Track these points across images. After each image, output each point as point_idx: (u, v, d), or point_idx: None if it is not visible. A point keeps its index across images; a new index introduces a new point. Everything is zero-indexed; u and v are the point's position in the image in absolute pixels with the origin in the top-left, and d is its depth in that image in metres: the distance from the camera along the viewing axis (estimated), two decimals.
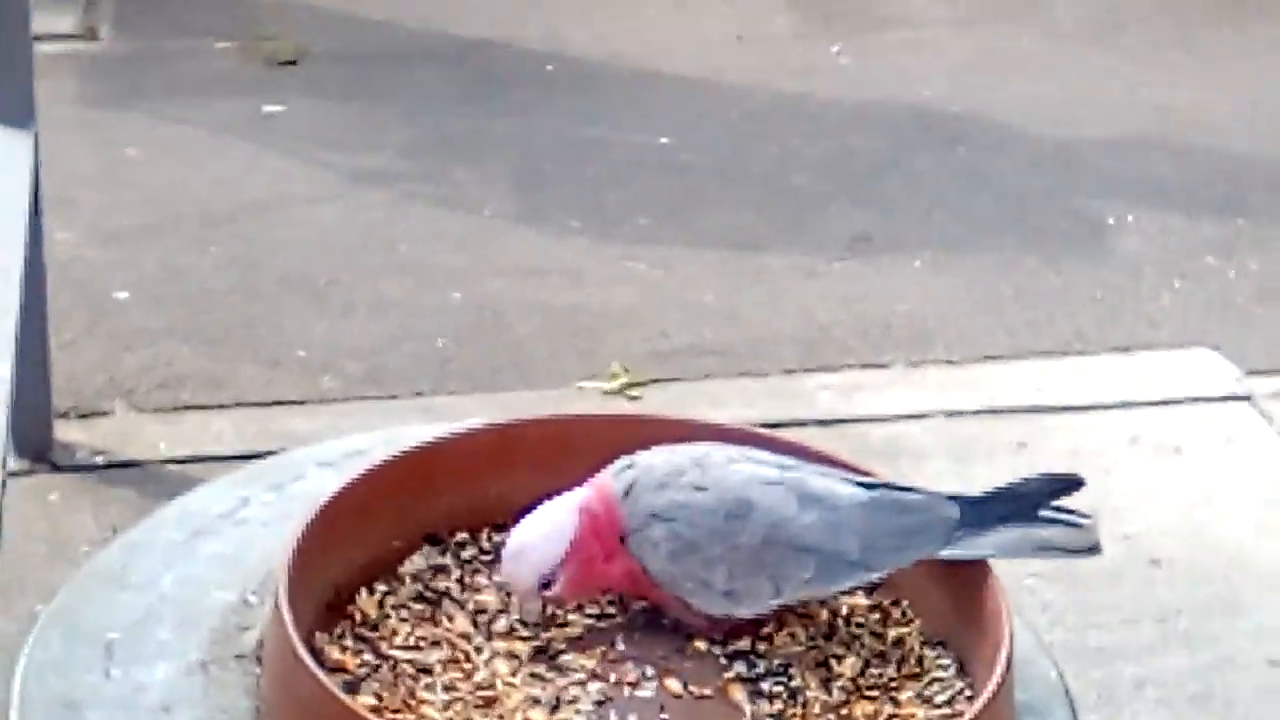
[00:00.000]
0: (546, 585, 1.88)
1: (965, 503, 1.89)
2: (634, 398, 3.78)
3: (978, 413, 3.76)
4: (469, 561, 2.00)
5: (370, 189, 4.53)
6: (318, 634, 1.88)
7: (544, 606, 1.91)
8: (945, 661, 1.90)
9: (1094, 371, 3.90)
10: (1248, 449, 3.68)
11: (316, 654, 1.85)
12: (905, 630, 1.94)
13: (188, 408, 3.75)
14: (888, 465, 3.56)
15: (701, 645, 1.89)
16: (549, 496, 1.93)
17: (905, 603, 1.97)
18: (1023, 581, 3.31)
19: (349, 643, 1.88)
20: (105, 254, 4.17)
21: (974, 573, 1.90)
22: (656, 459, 1.90)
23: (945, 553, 1.89)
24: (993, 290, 4.12)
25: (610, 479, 1.90)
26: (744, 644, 1.90)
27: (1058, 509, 1.91)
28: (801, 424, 3.70)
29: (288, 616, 1.75)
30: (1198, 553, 3.42)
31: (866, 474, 1.96)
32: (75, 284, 4.01)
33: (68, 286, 3.93)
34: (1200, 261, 4.28)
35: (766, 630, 1.92)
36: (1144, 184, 4.60)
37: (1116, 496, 3.54)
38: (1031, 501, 1.90)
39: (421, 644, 1.89)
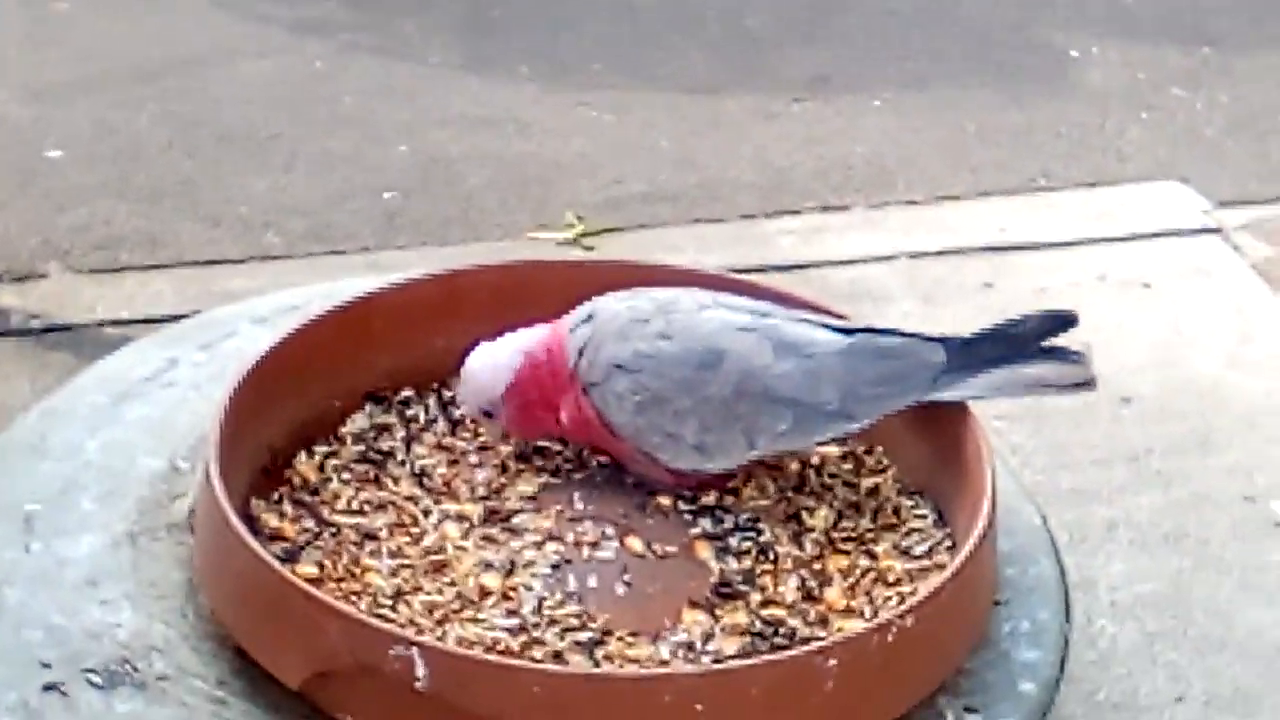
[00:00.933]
0: (489, 415, 1.77)
1: (952, 345, 1.75)
2: (588, 247, 3.63)
3: (942, 253, 3.61)
4: (414, 420, 1.86)
5: (313, 40, 4.34)
6: (253, 500, 1.74)
7: (501, 432, 1.79)
8: (923, 511, 1.77)
9: (1060, 208, 3.76)
10: (1218, 283, 3.55)
11: (252, 522, 1.71)
12: (880, 479, 1.81)
13: (125, 268, 3.58)
14: (852, 308, 3.39)
15: (665, 501, 1.76)
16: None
17: (879, 450, 1.84)
18: (990, 423, 3.17)
19: (287, 509, 1.74)
20: (35, 111, 3.97)
21: (951, 416, 1.77)
22: (620, 305, 1.76)
23: (930, 397, 1.75)
24: (955, 128, 3.96)
25: (568, 327, 1.76)
26: (710, 499, 1.77)
27: (1049, 347, 1.77)
28: (762, 270, 3.55)
29: (218, 483, 1.61)
30: (1169, 390, 3.30)
31: (843, 318, 1.82)
32: (4, 144, 3.82)
33: None
34: (1167, 93, 4.12)
35: (734, 483, 1.79)
36: (1109, 14, 4.43)
37: (1085, 334, 3.39)
38: (1023, 340, 1.76)
39: (366, 508, 1.75)
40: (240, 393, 1.73)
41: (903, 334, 1.77)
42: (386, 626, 1.50)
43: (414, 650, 1.47)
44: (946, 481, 1.76)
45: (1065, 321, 1.76)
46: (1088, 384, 1.76)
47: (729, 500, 1.77)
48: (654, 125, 3.99)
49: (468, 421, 1.85)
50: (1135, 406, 3.24)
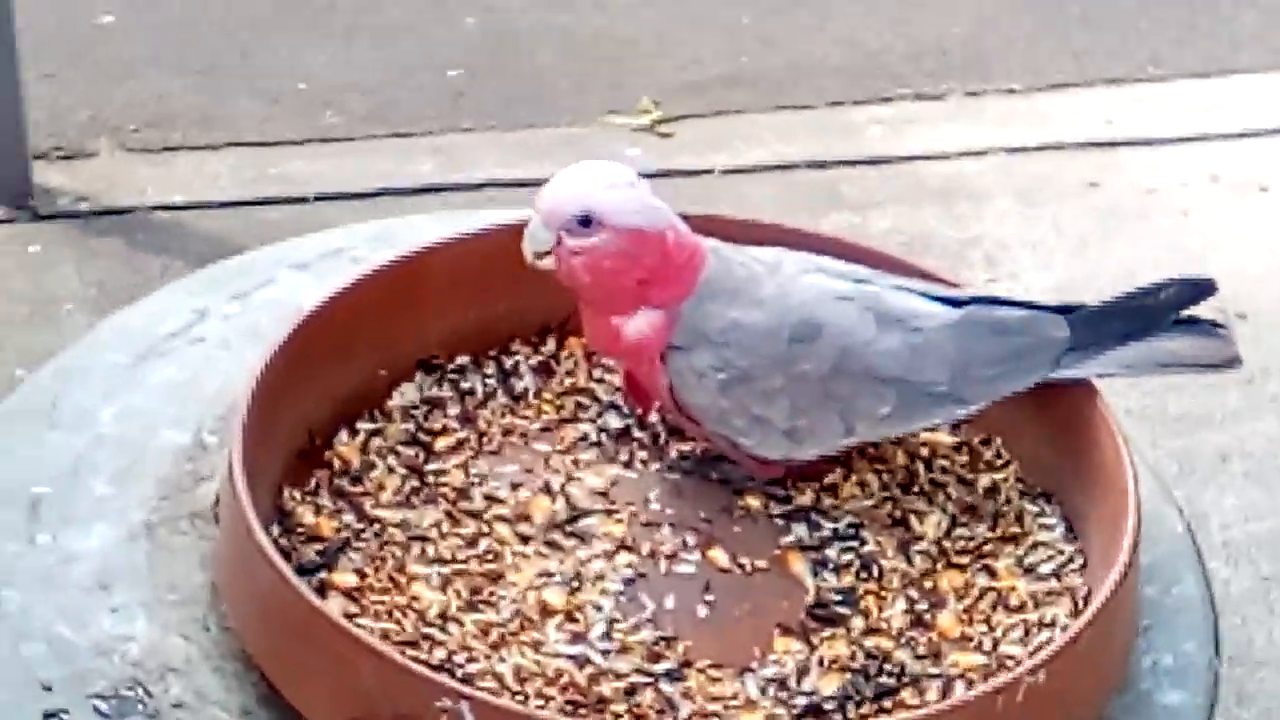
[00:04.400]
0: (586, 224, 1.44)
1: (1078, 319, 1.48)
2: (665, 134, 3.35)
3: (1043, 148, 3.32)
4: (470, 393, 1.60)
5: None
6: (287, 491, 1.49)
7: (556, 265, 1.46)
8: (1049, 520, 1.51)
9: (1169, 100, 3.46)
10: None
11: (285, 517, 1.47)
12: (999, 476, 1.55)
13: (179, 148, 3.34)
14: (944, 208, 3.16)
15: (754, 503, 1.50)
16: (573, 312, 1.54)
17: (998, 441, 1.57)
18: None
19: (325, 501, 1.50)
20: None
21: (1081, 403, 1.50)
22: (738, 257, 1.49)
23: (1054, 375, 1.48)
24: (1057, 8, 3.64)
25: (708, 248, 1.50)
26: (805, 498, 1.51)
27: (1188, 318, 1.49)
28: (849, 163, 3.28)
29: (241, 485, 1.37)
30: None
31: (956, 286, 1.55)
32: (54, 8, 3.56)
33: (43, 10, 3.48)
34: None
35: (830, 479, 1.53)
36: None
37: (1195, 240, 3.13)
38: (1158, 312, 1.49)
39: (414, 500, 1.50)
40: (274, 365, 1.48)
41: (1021, 304, 1.50)
42: (430, 674, 1.26)
43: (464, 705, 1.23)
44: (1076, 484, 1.50)
45: (1204, 290, 1.48)
46: (1232, 363, 1.48)
47: (826, 501, 1.51)
48: (733, 1, 3.69)
49: (531, 396, 1.60)
50: (1251, 322, 2.97)
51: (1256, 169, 3.25)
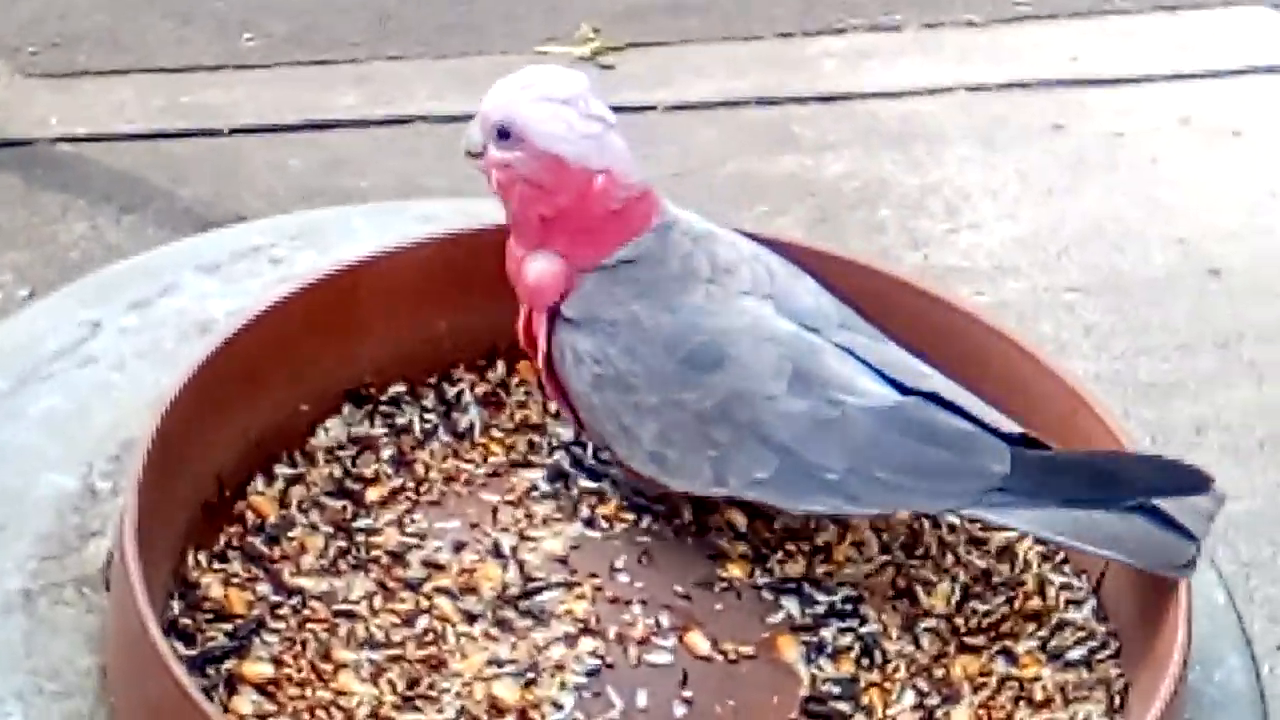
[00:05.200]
0: (505, 135, 1.23)
1: (1026, 461, 1.20)
2: (606, 66, 3.08)
3: (1005, 86, 3.09)
4: (405, 429, 1.36)
5: None
6: (191, 554, 1.25)
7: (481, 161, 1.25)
8: (1077, 593, 1.29)
9: (1137, 35, 3.22)
10: None
11: (189, 589, 1.23)
12: (1015, 535, 1.32)
13: (84, 73, 3.05)
14: (902, 151, 2.93)
15: (736, 572, 1.27)
16: (525, 331, 1.29)
17: None
18: (1060, 296, 2.71)
19: (236, 567, 1.25)
20: None
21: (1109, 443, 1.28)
22: (690, 245, 1.25)
23: (969, 511, 1.23)
24: None
25: (663, 210, 1.27)
26: (796, 565, 1.28)
27: (1154, 509, 1.20)
28: (800, 100, 3.04)
29: (134, 568, 1.12)
30: (1263, 261, 2.81)
31: (922, 367, 1.26)
32: None
33: None
34: None
35: (824, 537, 1.30)
36: None
37: (1165, 190, 2.91)
38: (1121, 488, 1.20)
39: (340, 565, 1.26)
40: (178, 403, 1.23)
41: (970, 418, 1.22)
42: None
43: None
44: None
45: (1194, 484, 1.21)
46: (1183, 569, 1.20)
47: (819, 569, 1.28)
48: None
49: (476, 434, 1.36)
50: (1225, 281, 2.77)
51: (1229, 112, 3.03)
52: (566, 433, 1.36)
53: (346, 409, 1.36)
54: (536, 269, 1.25)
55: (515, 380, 1.40)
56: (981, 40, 3.17)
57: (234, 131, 2.90)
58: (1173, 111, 3.04)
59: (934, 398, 1.22)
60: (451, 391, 1.38)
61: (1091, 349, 2.64)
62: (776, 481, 1.23)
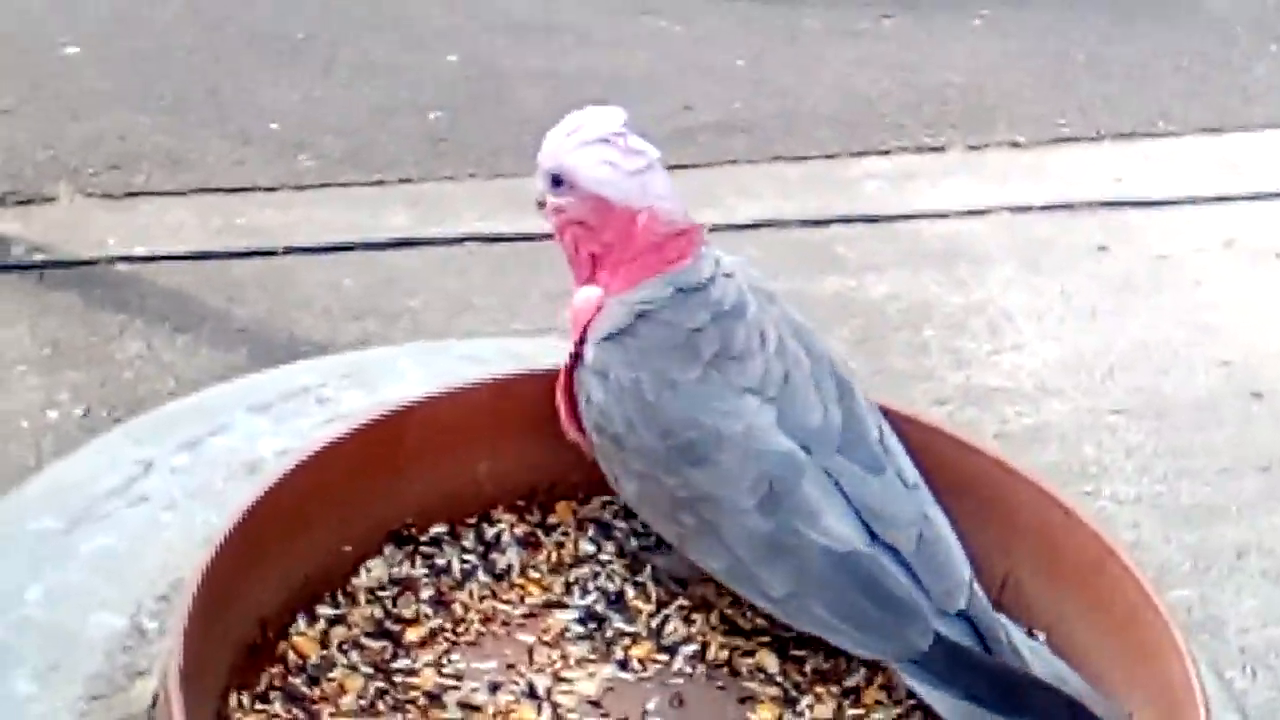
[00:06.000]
0: (557, 183, 1.29)
1: (943, 643, 1.23)
2: None
3: (1048, 208, 3.12)
4: (446, 570, 1.39)
5: None
6: (234, 695, 1.28)
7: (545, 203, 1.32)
8: None
9: (1180, 157, 3.25)
10: None
11: None
12: None
13: (141, 193, 3.11)
14: (945, 272, 2.96)
15: (768, 715, 1.29)
16: (557, 476, 1.33)
17: (1042, 637, 1.36)
18: (1104, 418, 2.72)
19: (277, 708, 1.28)
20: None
21: (1140, 605, 1.29)
22: (732, 301, 1.29)
23: (884, 662, 1.27)
24: (1062, 56, 3.44)
25: (703, 253, 1.30)
26: (825, 709, 1.30)
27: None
28: (846, 220, 3.07)
29: (178, 710, 1.15)
30: None
31: (903, 510, 1.28)
32: (16, 36, 3.33)
33: (2, 39, 3.26)
34: None
35: (853, 680, 1.32)
36: None
37: (1210, 313, 2.92)
38: (1022, 710, 1.21)
39: (379, 706, 1.29)
40: (226, 548, 1.27)
41: (917, 582, 1.24)
42: None
43: None
44: (1136, 697, 1.29)
45: None
46: None
47: (849, 712, 1.30)
48: (725, 39, 3.47)
49: (514, 575, 1.39)
50: (1268, 403, 2.77)
51: (1272, 234, 3.05)
52: (603, 574, 1.39)
53: (388, 549, 1.39)
54: (579, 297, 1.31)
55: (553, 520, 1.43)
56: (1025, 160, 3.21)
57: (289, 251, 2.95)
58: (1216, 233, 3.06)
59: (892, 551, 1.24)
60: (491, 532, 1.41)
61: (1134, 471, 2.66)
62: (725, 575, 1.29)
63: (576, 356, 1.31)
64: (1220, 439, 2.71)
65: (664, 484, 1.27)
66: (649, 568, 1.38)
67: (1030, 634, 1.36)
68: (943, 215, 3.06)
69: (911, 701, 1.32)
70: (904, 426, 1.40)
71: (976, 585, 1.28)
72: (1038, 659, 1.27)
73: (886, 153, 3.19)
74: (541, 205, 1.32)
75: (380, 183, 3.13)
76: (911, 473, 1.31)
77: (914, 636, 1.23)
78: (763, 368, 1.29)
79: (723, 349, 1.29)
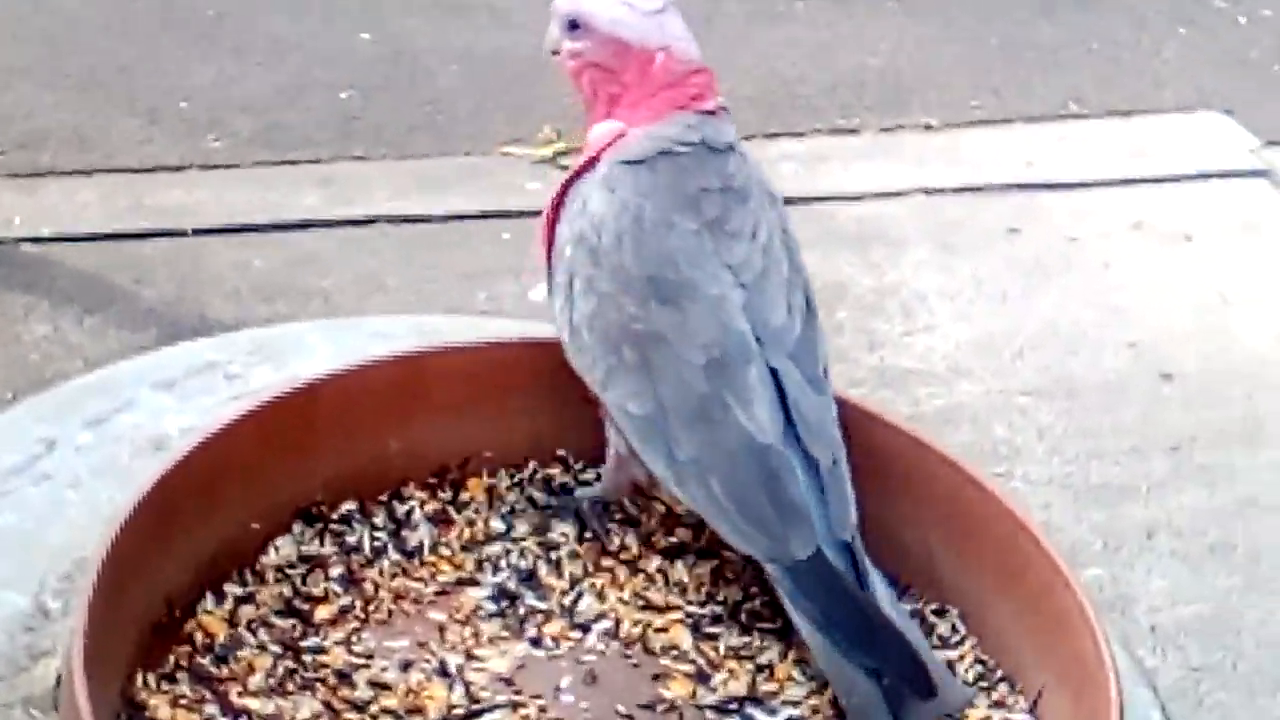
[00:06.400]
0: (574, 27, 1.32)
1: (822, 561, 1.24)
2: (567, 167, 3.12)
3: (962, 190, 3.13)
4: (355, 548, 1.37)
5: None
6: (140, 675, 1.26)
7: (560, 51, 1.34)
8: (1011, 706, 1.30)
9: (1091, 140, 3.27)
10: (1268, 238, 3.08)
11: (137, 710, 1.24)
12: (954, 654, 1.34)
13: (49, 173, 3.07)
14: (860, 254, 2.96)
15: (679, 690, 1.29)
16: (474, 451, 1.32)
17: (954, 613, 1.36)
18: (1014, 400, 2.74)
19: (184, 688, 1.26)
20: None
21: (1052, 579, 1.30)
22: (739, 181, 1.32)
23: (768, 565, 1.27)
24: (977, 40, 3.45)
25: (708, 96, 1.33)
26: (739, 683, 1.30)
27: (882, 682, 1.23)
28: None
29: (82, 690, 1.13)
30: (1214, 367, 2.84)
31: (831, 435, 1.29)
32: None
33: None
34: (1208, 5, 3.61)
35: (766, 657, 1.32)
36: None
37: (1119, 294, 2.94)
38: (869, 650, 1.23)
39: (288, 685, 1.27)
40: (130, 525, 1.25)
41: (820, 496, 1.26)
42: None
43: None
44: (1045, 669, 1.29)
45: (921, 689, 1.22)
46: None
47: (762, 687, 1.29)
48: None
49: (426, 552, 1.37)
50: (1176, 385, 2.79)
51: (1180, 217, 3.08)
52: (516, 550, 1.38)
53: (298, 527, 1.38)
54: (599, 129, 1.32)
55: (465, 498, 1.42)
56: (939, 143, 3.22)
57: (198, 232, 2.92)
58: (1126, 216, 3.08)
59: (809, 461, 1.26)
60: (402, 509, 1.40)
61: (1044, 452, 2.67)
62: (639, 423, 1.29)
63: (579, 173, 1.31)
64: (1129, 419, 2.73)
65: (623, 310, 1.28)
66: (570, 520, 1.37)
67: (942, 612, 1.37)
68: (857, 198, 3.07)
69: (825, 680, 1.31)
70: None
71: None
72: (900, 616, 1.27)
73: (802, 134, 3.20)
74: (555, 53, 1.34)
75: (291, 162, 3.10)
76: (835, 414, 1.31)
77: (795, 543, 1.24)
78: (746, 254, 1.31)
79: (719, 219, 1.29)
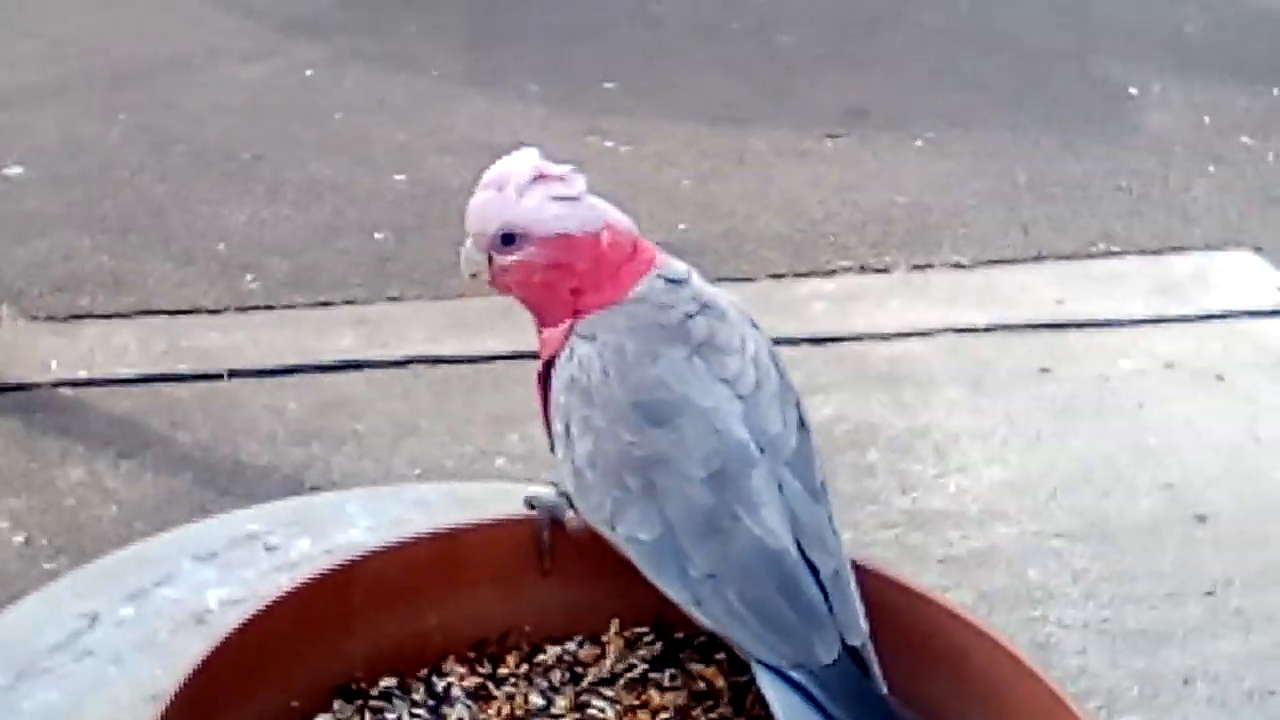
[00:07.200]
0: (510, 240, 1.29)
1: (848, 668, 1.23)
2: None
3: (991, 329, 3.14)
4: None
5: (304, 42, 3.84)
6: None
7: (488, 275, 1.31)
8: None
9: (1122, 278, 3.29)
10: None
11: None
12: None
13: (86, 316, 3.10)
14: (891, 394, 2.97)
15: None
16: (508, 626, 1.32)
17: None
18: (1048, 542, 2.73)
19: None
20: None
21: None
22: (708, 300, 1.31)
23: (761, 684, 1.25)
24: (1005, 177, 3.48)
25: (661, 263, 1.32)
26: None
27: None
28: (793, 341, 3.09)
29: None
30: (1248, 506, 2.84)
31: (830, 546, 1.29)
32: None
33: None
34: (1235, 141, 3.64)
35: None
36: (1169, 45, 3.94)
37: (1152, 435, 2.95)
38: None
39: None
40: (170, 714, 1.25)
41: (828, 603, 1.25)
42: None
43: None
44: None
45: None
46: None
47: None
48: (672, 160, 3.50)
49: None
50: (1211, 527, 2.79)
51: (1211, 356, 3.09)
52: None
53: (337, 704, 1.38)
54: (548, 334, 1.31)
55: (503, 672, 1.42)
56: (969, 281, 3.24)
57: (233, 374, 2.95)
58: (1157, 355, 3.09)
59: (814, 570, 1.25)
60: (440, 685, 1.40)
61: (1079, 596, 2.66)
62: (650, 549, 1.27)
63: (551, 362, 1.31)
64: (1164, 563, 2.72)
65: (620, 439, 1.27)
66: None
67: None
68: (887, 337, 3.08)
69: None
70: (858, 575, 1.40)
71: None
72: None
73: (832, 273, 3.22)
74: (474, 276, 1.31)
75: (326, 304, 3.13)
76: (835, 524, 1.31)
77: (820, 647, 1.23)
78: (739, 367, 1.31)
79: (709, 339, 1.30)
